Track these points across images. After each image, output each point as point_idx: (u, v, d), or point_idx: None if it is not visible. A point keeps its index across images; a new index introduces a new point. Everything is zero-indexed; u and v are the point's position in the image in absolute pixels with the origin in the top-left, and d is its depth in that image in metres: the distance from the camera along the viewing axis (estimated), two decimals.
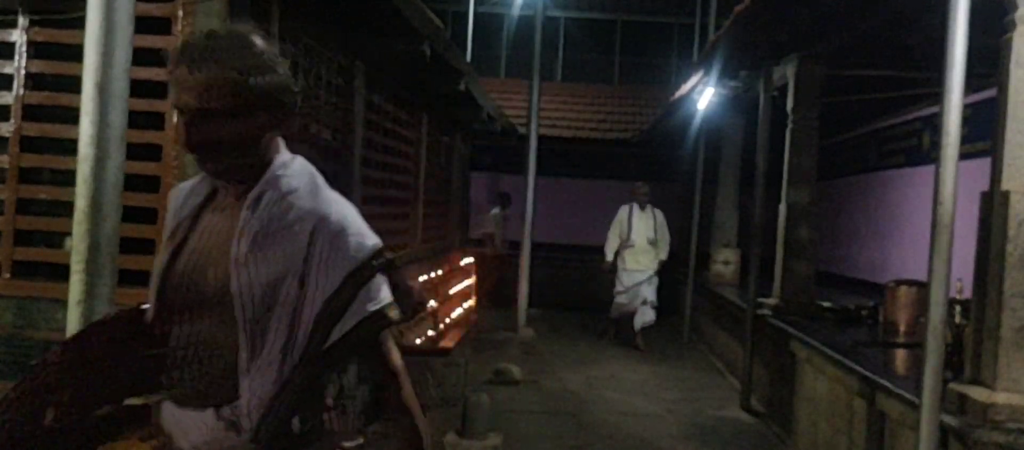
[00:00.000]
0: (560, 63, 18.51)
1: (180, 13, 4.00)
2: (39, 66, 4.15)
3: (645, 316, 11.05)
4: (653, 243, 11.07)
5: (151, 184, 4.06)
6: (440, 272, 9.76)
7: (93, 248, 2.60)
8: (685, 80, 10.75)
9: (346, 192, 6.30)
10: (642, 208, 11.18)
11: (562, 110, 16.79)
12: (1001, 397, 3.75)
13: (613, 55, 18.80)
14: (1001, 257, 3.80)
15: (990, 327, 3.85)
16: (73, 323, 2.58)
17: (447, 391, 7.07)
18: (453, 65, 7.08)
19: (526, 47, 14.41)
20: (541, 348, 10.79)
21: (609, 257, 11.24)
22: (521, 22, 17.53)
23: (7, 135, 4.13)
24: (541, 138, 12.67)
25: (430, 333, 9.15)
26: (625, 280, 11.10)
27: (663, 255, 11.16)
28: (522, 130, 12.84)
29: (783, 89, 8.02)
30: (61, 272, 3.90)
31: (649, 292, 11.04)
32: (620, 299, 11.21)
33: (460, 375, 7.05)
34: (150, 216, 4.06)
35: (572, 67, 18.63)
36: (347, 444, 5.57)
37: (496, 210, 15.09)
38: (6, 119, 4.14)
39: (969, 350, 4.04)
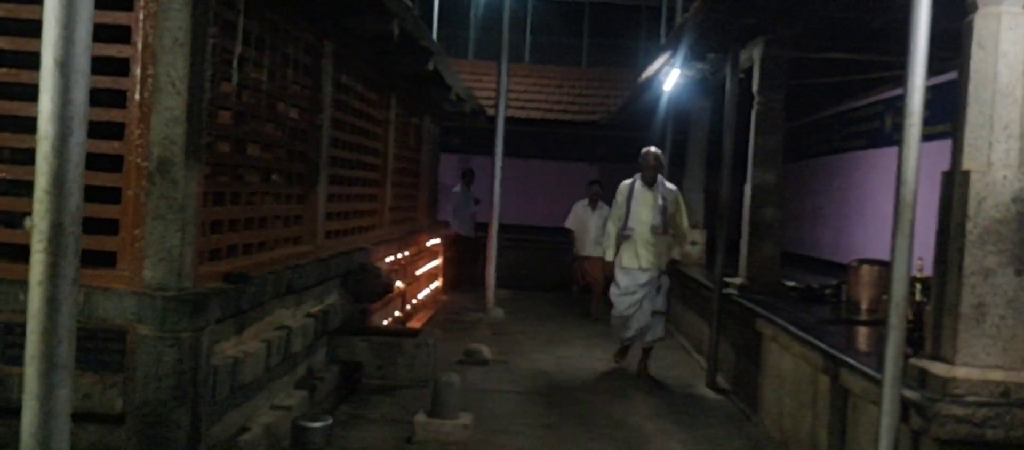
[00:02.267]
0: (528, 45, 18.49)
1: None
2: None
3: (653, 332, 8.30)
4: (660, 232, 8.14)
5: (114, 163, 4.02)
6: (408, 253, 9.76)
7: (55, 228, 2.55)
8: (652, 62, 10.78)
9: (314, 172, 6.28)
10: (649, 185, 8.20)
11: (531, 92, 16.79)
12: (961, 371, 3.82)
13: (581, 37, 18.79)
14: (961, 235, 3.86)
15: (950, 304, 3.91)
16: (35, 304, 2.54)
17: (417, 372, 7.07)
18: (422, 45, 7.06)
19: (494, 28, 14.41)
20: (511, 328, 10.81)
21: (609, 255, 8.39)
22: (489, 3, 17.48)
23: None
24: (509, 120, 12.66)
25: (398, 314, 9.16)
26: (622, 282, 8.24)
27: (675, 251, 8.38)
28: (491, 111, 12.82)
29: (749, 71, 8.08)
30: (22, 252, 3.86)
31: (656, 300, 8.26)
32: (617, 308, 8.33)
33: (430, 355, 7.05)
34: (114, 196, 4.01)
35: (540, 49, 18.63)
36: (314, 424, 5.55)
37: (581, 203, 12.36)
38: None
39: (929, 326, 4.11)
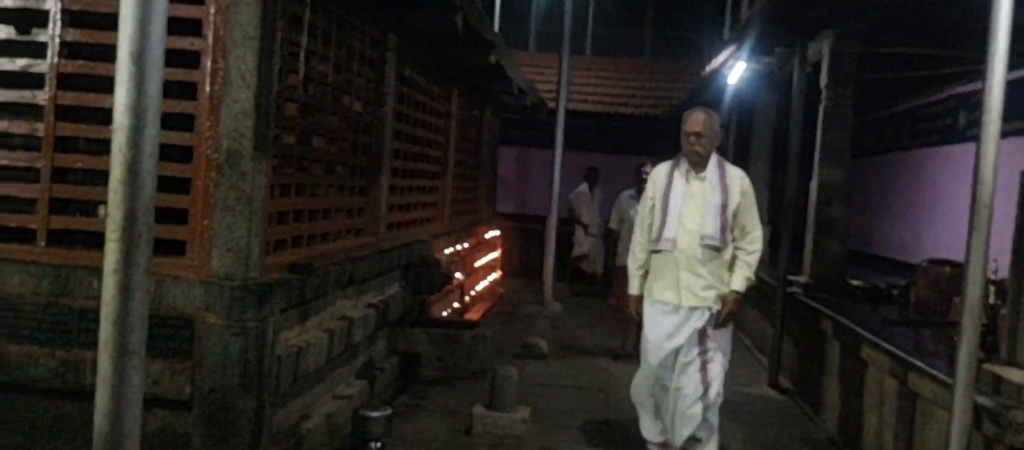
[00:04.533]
0: (590, 37, 18.38)
1: None
2: (74, 35, 4.17)
3: (689, 422, 5.05)
4: (716, 245, 5.04)
5: (184, 154, 4.08)
6: (468, 245, 9.79)
7: (129, 217, 2.60)
8: (716, 54, 10.64)
9: (377, 165, 6.32)
10: (696, 170, 5.16)
11: (592, 84, 16.70)
12: None
13: (644, 29, 18.63)
14: None
15: None
16: (108, 292, 2.59)
17: (475, 364, 7.09)
18: (485, 38, 7.05)
19: (556, 20, 14.33)
20: (569, 322, 10.79)
21: (634, 287, 5.31)
22: None
23: (43, 104, 4.16)
24: (570, 112, 12.60)
25: (457, 305, 9.20)
26: (650, 331, 5.16)
27: (738, 280, 5.11)
28: (551, 104, 12.79)
29: (817, 65, 7.93)
30: (96, 240, 3.95)
31: (709, 362, 5.07)
32: (643, 371, 5.31)
33: (488, 348, 7.07)
34: (183, 186, 4.08)
35: (603, 41, 18.50)
36: (374, 413, 5.59)
37: (626, 194, 9.28)
38: (41, 87, 4.17)
39: (1005, 331, 3.99)
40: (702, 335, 5.06)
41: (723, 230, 5.06)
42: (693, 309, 5.04)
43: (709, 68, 11.33)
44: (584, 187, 13.49)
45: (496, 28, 15.68)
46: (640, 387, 5.34)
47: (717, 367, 5.09)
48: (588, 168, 13.72)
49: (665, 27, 18.66)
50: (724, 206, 5.07)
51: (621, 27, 18.66)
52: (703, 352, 5.06)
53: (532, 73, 15.37)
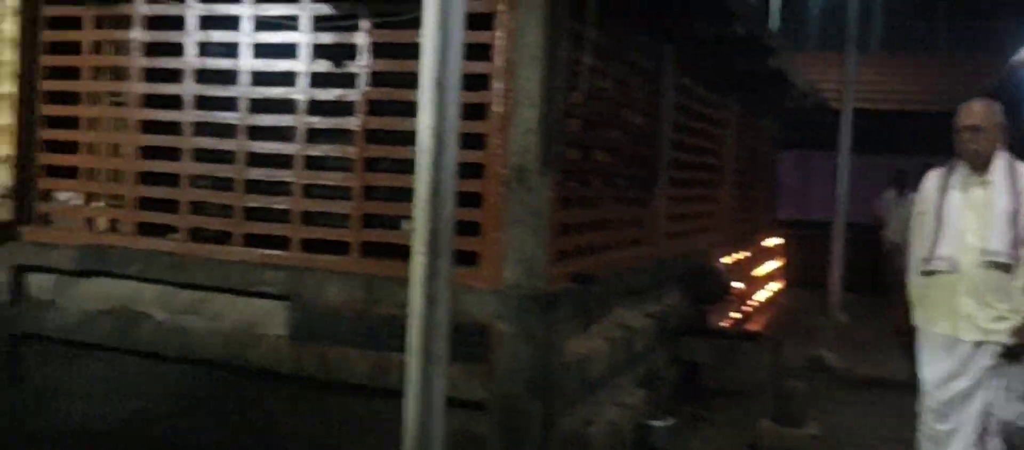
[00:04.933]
0: (876, 32, 17.37)
1: (502, 8, 4.22)
2: (380, 65, 4.56)
3: None
4: (1002, 262, 4.09)
5: (475, 170, 4.33)
6: (747, 253, 9.57)
7: (433, 231, 2.83)
8: (1022, 44, 9.71)
9: (655, 176, 6.35)
10: (977, 173, 4.24)
11: (879, 82, 15.75)
12: None
13: (938, 21, 17.34)
14: None
15: None
16: (416, 301, 2.81)
17: (757, 375, 6.92)
18: (764, 43, 6.89)
19: (838, 17, 13.71)
20: (858, 336, 10.23)
21: (913, 318, 4.51)
22: None
23: (354, 129, 4.59)
24: (856, 112, 11.96)
25: (736, 315, 9.01)
26: (926, 370, 4.43)
27: None
28: (835, 105, 12.21)
29: None
30: (398, 252, 4.28)
31: (980, 401, 4.22)
32: (924, 429, 4.51)
33: (771, 359, 6.87)
34: (475, 201, 4.33)
35: (890, 36, 17.42)
36: (658, 423, 5.62)
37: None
38: (352, 114, 4.60)
39: None
40: (992, 375, 4.18)
41: (1015, 245, 4.09)
42: (979, 345, 4.15)
43: (1015, 59, 10.37)
44: (891, 192, 12.70)
45: (775, 28, 15.24)
46: (922, 433, 4.49)
47: (1008, 412, 4.22)
48: (896, 171, 12.82)
49: (960, 18, 17.25)
50: (1015, 214, 4.11)
51: (911, 20, 17.48)
52: (994, 384, 4.19)
53: (813, 73, 14.74)
